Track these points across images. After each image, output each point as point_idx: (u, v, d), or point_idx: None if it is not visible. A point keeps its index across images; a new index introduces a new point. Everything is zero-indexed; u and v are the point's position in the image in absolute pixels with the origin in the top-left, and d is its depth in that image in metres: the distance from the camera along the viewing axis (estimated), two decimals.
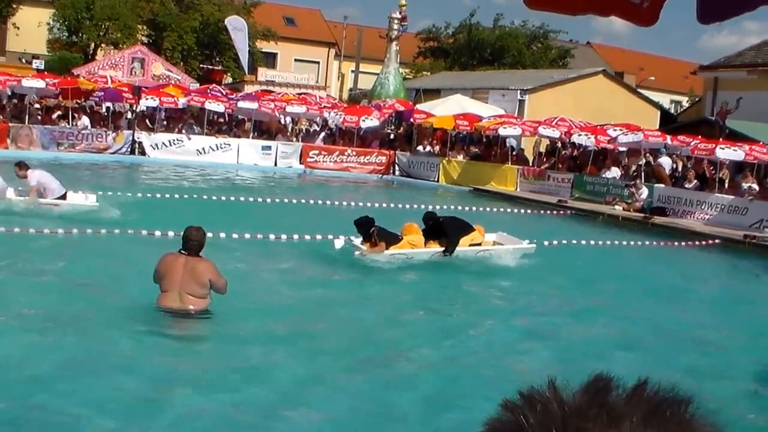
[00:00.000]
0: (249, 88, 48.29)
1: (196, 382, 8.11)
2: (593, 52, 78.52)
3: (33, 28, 53.51)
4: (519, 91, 44.01)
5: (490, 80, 49.53)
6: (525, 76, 49.17)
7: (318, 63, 69.83)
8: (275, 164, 35.04)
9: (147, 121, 35.58)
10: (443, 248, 14.79)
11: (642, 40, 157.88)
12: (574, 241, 19.31)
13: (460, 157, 34.56)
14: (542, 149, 34.95)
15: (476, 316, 12.12)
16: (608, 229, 23.02)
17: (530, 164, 33.42)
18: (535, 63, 64.42)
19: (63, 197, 17.59)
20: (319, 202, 24.10)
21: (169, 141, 34.12)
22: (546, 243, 18.14)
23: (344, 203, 24.23)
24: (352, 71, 65.36)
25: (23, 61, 50.80)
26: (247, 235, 15.91)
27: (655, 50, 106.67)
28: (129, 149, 33.64)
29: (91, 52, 54.04)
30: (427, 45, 69.94)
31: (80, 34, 53.14)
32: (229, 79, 56.93)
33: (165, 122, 35.64)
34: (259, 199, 23.25)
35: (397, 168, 36.31)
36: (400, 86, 46.13)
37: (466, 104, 39.26)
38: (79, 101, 35.55)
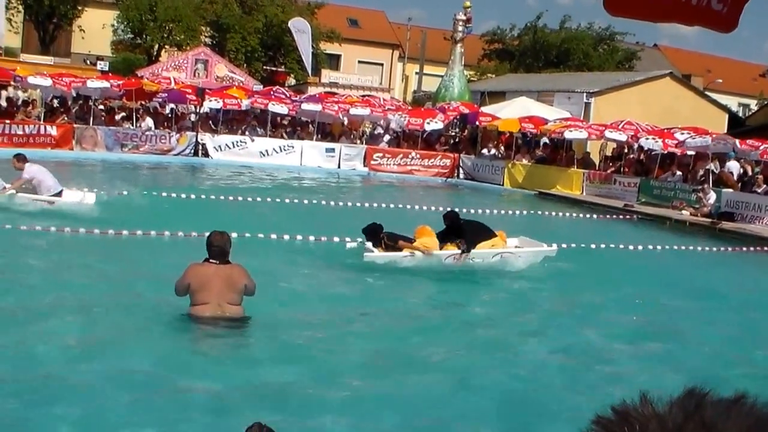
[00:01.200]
0: (312, 90, 48.01)
1: (254, 394, 7.70)
2: (660, 54, 77.11)
3: (97, 30, 53.80)
4: (585, 94, 43.33)
5: (556, 83, 48.84)
6: (591, 79, 48.44)
7: (382, 65, 69.43)
8: (338, 166, 34.69)
9: (210, 122, 35.37)
10: (459, 250, 14.11)
11: (708, 42, 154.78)
12: (641, 247, 18.69)
13: (525, 161, 33.90)
14: (608, 153, 34.17)
15: (528, 327, 11.36)
16: (675, 234, 22.41)
17: (596, 168, 32.57)
18: (601, 65, 63.61)
19: (59, 195, 17.46)
20: (383, 205, 23.56)
21: (232, 143, 33.93)
22: (612, 247, 17.81)
23: (408, 206, 23.68)
24: (416, 73, 65.01)
25: (88, 62, 51.05)
26: (307, 237, 15.67)
27: (722, 52, 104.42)
28: (192, 151, 33.54)
29: (155, 53, 54.23)
30: (491, 47, 69.41)
31: (144, 36, 53.35)
32: (292, 81, 56.71)
33: (228, 124, 35.39)
34: (323, 202, 22.87)
35: (461, 171, 35.78)
36: (465, 88, 45.60)
37: (531, 107, 38.62)
38: (143, 103, 35.52)
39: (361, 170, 34.79)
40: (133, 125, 33.79)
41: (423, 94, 58.32)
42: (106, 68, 46.65)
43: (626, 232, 22.60)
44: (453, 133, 39.10)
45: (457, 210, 15.51)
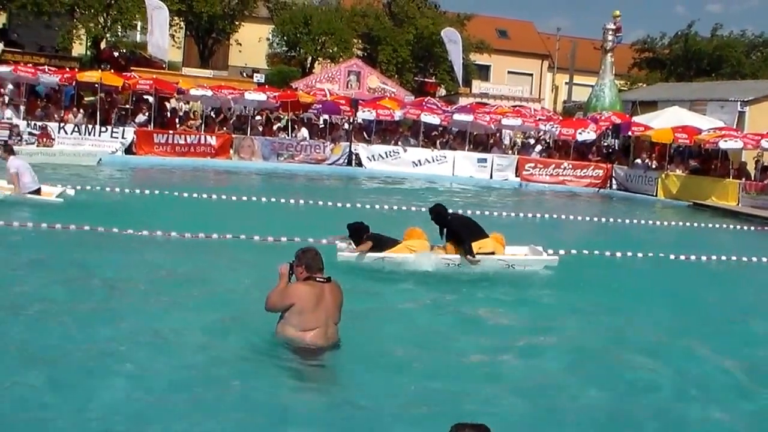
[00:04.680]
0: (463, 101, 48.06)
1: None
2: None
3: (253, 44, 55.32)
4: (739, 103, 42.30)
5: (709, 91, 47.67)
6: (745, 87, 47.16)
7: (531, 75, 69.11)
8: (491, 177, 34.59)
9: (363, 132, 35.87)
10: (455, 255, 13.08)
11: None
12: None
13: (679, 171, 32.99)
14: (766, 163, 32.90)
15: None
16: None
17: (752, 178, 31.40)
18: (756, 73, 61.65)
19: (37, 192, 17.44)
20: (538, 215, 23.38)
21: (386, 153, 34.33)
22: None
23: (562, 216, 23.46)
24: (566, 83, 64.41)
25: (244, 75, 52.57)
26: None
27: None
28: (346, 160, 34.07)
29: (309, 65, 55.32)
30: (642, 56, 68.24)
31: (298, 49, 54.52)
32: (442, 92, 56.91)
33: (381, 134, 35.80)
34: (478, 212, 22.72)
35: (614, 181, 35.14)
36: (616, 98, 44.83)
37: (684, 116, 37.72)
38: (297, 113, 36.24)
39: (513, 180, 34.60)
40: (289, 135, 34.58)
41: (573, 104, 57.73)
42: (262, 80, 47.95)
43: None
44: (605, 143, 38.46)
45: (442, 203, 14.08)
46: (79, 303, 9.93)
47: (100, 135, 31.15)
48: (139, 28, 51.80)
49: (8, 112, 30.70)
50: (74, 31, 48.70)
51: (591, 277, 14.10)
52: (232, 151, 32.95)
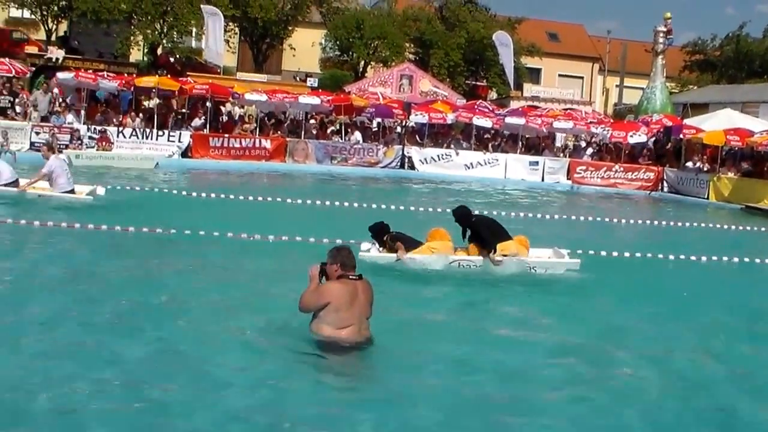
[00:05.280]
0: (514, 104, 48.17)
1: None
2: None
3: (306, 48, 55.86)
4: None
5: (761, 93, 47.34)
6: None
7: (582, 78, 68.85)
8: (542, 179, 34.75)
9: (416, 136, 36.19)
10: (477, 257, 13.00)
11: None
12: None
13: (731, 174, 32.81)
14: None
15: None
16: None
17: None
18: None
19: (71, 192, 17.87)
20: (590, 218, 23.46)
21: (438, 156, 34.68)
22: None
23: (614, 220, 23.48)
24: (617, 86, 64.16)
25: (297, 79, 53.09)
26: None
27: None
28: (399, 163, 34.43)
29: (361, 69, 55.71)
30: (692, 58, 67.49)
31: (351, 53, 54.92)
32: (493, 95, 57.01)
33: (433, 137, 36.10)
34: (530, 215, 22.95)
35: (665, 184, 35.09)
36: (667, 101, 44.69)
37: (736, 119, 37.60)
38: (351, 117, 36.66)
39: (564, 183, 34.73)
40: (342, 139, 35.03)
41: (624, 106, 57.53)
42: (315, 84, 48.45)
43: None
44: (657, 146, 38.38)
45: (466, 205, 13.89)
46: (151, 302, 10.22)
47: (157, 139, 31.82)
48: (194, 34, 52.69)
49: (69, 117, 31.53)
50: (132, 37, 49.61)
51: (640, 281, 13.97)
52: (286, 155, 33.45)
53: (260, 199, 21.36)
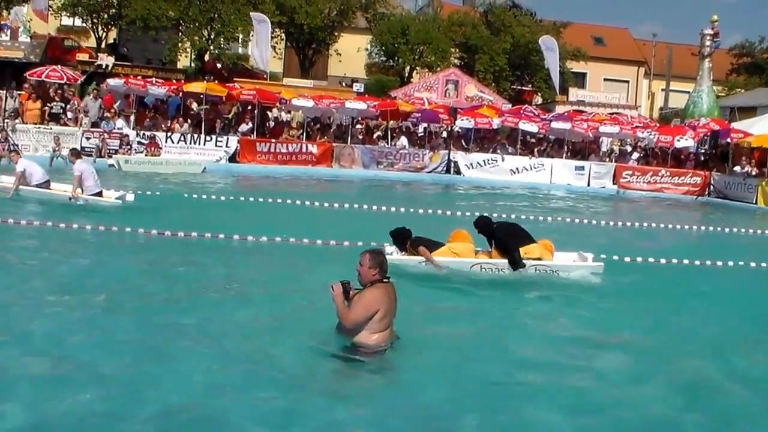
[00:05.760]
0: (560, 108, 48.02)
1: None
2: None
3: (352, 54, 56.19)
4: None
5: None
6: None
7: (627, 82, 68.40)
8: (588, 184, 34.71)
9: (462, 141, 36.30)
10: (500, 260, 12.94)
11: None
12: None
13: None
14: None
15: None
16: None
17: None
18: None
19: (98, 195, 18.40)
20: (636, 224, 23.35)
21: (484, 161, 34.77)
22: None
23: (661, 225, 23.29)
24: (663, 90, 63.68)
25: (343, 84, 53.43)
26: None
27: None
28: (444, 168, 34.55)
29: (407, 75, 55.88)
30: (740, 61, 66.78)
31: (396, 58, 55.09)
32: (539, 100, 56.88)
33: (479, 142, 36.19)
34: (576, 220, 22.89)
35: (712, 189, 34.87)
36: (714, 104, 44.43)
37: None
38: (397, 122, 36.85)
39: (610, 188, 34.65)
40: (388, 144, 35.24)
41: (670, 110, 57.13)
42: (361, 90, 48.68)
43: None
44: (704, 150, 38.13)
45: (487, 215, 13.98)
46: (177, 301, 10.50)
47: (204, 144, 32.30)
48: (240, 40, 53.27)
49: (119, 123, 32.07)
50: (179, 44, 50.19)
51: (685, 287, 13.84)
52: (333, 160, 33.73)
53: (308, 203, 21.62)
